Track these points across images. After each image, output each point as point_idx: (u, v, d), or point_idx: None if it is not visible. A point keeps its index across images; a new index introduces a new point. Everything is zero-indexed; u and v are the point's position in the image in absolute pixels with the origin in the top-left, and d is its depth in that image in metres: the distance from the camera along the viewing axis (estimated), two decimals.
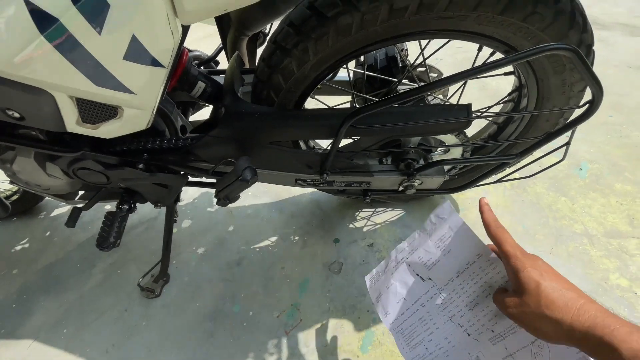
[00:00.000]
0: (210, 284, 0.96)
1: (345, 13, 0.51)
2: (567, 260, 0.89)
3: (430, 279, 0.49)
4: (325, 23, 0.53)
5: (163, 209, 1.16)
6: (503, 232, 0.42)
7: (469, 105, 0.58)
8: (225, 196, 0.59)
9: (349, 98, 0.86)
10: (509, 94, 0.77)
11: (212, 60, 0.85)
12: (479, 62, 0.54)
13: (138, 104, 0.51)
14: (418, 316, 0.51)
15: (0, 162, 0.70)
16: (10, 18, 0.39)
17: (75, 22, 0.38)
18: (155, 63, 0.44)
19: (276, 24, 0.64)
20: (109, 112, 0.53)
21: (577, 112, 0.56)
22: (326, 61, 0.58)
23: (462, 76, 0.48)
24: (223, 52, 0.85)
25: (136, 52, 0.42)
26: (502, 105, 0.82)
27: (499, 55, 0.62)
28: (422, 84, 0.70)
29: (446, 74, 0.83)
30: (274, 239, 1.06)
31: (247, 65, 0.84)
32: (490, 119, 0.86)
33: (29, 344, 0.89)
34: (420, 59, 0.69)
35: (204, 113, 0.90)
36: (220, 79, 0.74)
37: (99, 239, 0.72)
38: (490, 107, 0.77)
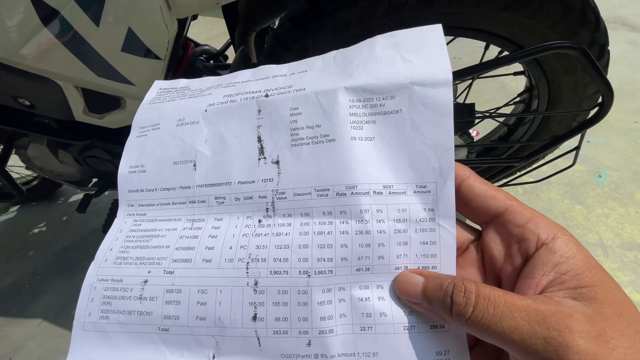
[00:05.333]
0: None
1: (344, 8, 0.51)
2: None
3: (277, 162, 0.24)
4: (324, 18, 0.53)
5: None
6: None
7: (472, 105, 0.56)
8: None
9: None
10: (520, 95, 0.74)
11: (221, 54, 0.86)
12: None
13: (140, 95, 0.52)
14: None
15: (16, 147, 0.74)
16: (15, 10, 0.41)
17: (74, 14, 0.40)
18: (152, 55, 0.45)
19: None
20: (113, 102, 0.55)
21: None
22: None
23: (467, 73, 0.47)
24: (232, 47, 0.86)
25: (133, 44, 0.43)
26: (513, 106, 0.79)
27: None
28: None
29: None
30: None
31: (253, 60, 0.84)
32: (501, 120, 0.83)
33: (38, 322, 0.94)
34: None
35: None
36: (227, 73, 0.75)
37: (105, 226, 0.75)
38: (499, 108, 0.74)
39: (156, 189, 0.26)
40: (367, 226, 0.22)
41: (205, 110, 0.27)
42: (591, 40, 0.52)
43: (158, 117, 0.28)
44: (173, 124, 0.27)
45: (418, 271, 0.21)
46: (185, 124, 0.27)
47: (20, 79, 0.50)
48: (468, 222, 0.24)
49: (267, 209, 0.24)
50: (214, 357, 0.22)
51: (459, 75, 0.48)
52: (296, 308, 0.22)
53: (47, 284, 1.02)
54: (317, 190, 0.23)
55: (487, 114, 0.64)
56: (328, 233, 0.22)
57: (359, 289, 0.22)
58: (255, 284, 0.22)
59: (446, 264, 0.21)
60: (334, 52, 0.27)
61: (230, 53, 0.90)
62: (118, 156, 0.70)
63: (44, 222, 1.21)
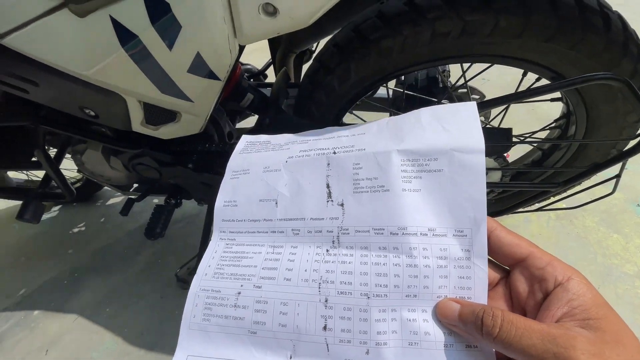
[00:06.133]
0: None
1: (388, 37, 0.54)
2: (615, 302, 0.82)
3: (342, 205, 0.31)
4: (368, 45, 0.56)
5: (203, 208, 1.25)
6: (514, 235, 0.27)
7: (509, 130, 0.57)
8: None
9: (387, 115, 0.88)
10: (556, 120, 0.74)
11: (261, 73, 0.91)
12: (525, 86, 0.54)
13: (195, 110, 0.57)
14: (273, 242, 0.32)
15: (73, 152, 0.80)
16: (97, 32, 0.47)
17: (151, 39, 0.44)
18: (213, 76, 0.49)
19: (322, 42, 0.68)
20: (169, 116, 0.60)
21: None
22: (366, 80, 0.61)
23: (503, 101, 0.49)
24: (271, 66, 0.92)
25: (198, 67, 0.47)
26: (548, 131, 0.79)
27: (545, 81, 0.61)
28: None
29: (490, 96, 0.82)
30: None
31: (292, 80, 0.89)
32: (535, 144, 0.83)
33: (74, 318, 0.99)
34: (462, 81, 0.69)
35: (250, 121, 0.96)
36: (267, 91, 0.80)
37: (147, 229, 0.79)
38: (534, 133, 0.74)
39: (244, 220, 0.33)
40: (415, 261, 0.27)
41: (286, 161, 0.35)
42: (633, 71, 0.52)
43: (247, 164, 0.36)
44: (260, 171, 0.35)
45: (456, 300, 0.26)
46: (269, 171, 0.35)
47: (90, 92, 0.55)
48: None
49: (333, 241, 0.30)
50: (291, 357, 0.27)
51: (498, 102, 0.50)
52: (358, 322, 0.27)
53: (84, 281, 1.07)
54: (374, 229, 0.29)
55: (524, 139, 0.65)
56: (383, 264, 0.28)
57: (407, 311, 0.27)
58: (326, 300, 0.28)
59: (479, 296, 0.26)
60: (386, 119, 0.35)
61: (269, 71, 0.96)
62: (164, 164, 0.75)
63: (83, 223, 1.28)
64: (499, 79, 1.74)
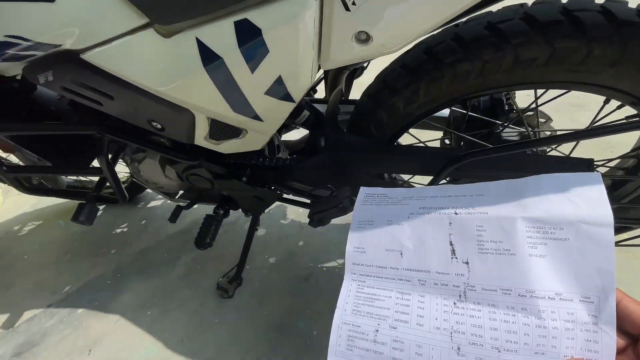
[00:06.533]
0: (278, 294, 1.00)
1: (465, 60, 0.52)
2: None
3: (467, 263, 0.34)
4: (442, 68, 0.54)
5: (239, 216, 1.26)
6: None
7: (590, 160, 0.54)
8: (320, 218, 0.63)
9: (441, 133, 0.86)
10: (634, 150, 0.70)
11: (312, 89, 0.91)
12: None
13: (262, 129, 0.57)
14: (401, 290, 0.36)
15: (130, 160, 0.83)
16: (180, 52, 0.47)
17: (235, 61, 0.45)
18: (289, 99, 0.49)
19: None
20: (234, 132, 0.60)
21: None
22: (434, 103, 0.59)
23: (592, 134, 0.46)
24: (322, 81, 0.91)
25: (276, 89, 0.47)
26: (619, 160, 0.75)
27: (629, 109, 0.57)
28: (531, 129, 0.67)
29: (551, 114, 0.78)
30: (341, 261, 1.07)
31: (345, 96, 0.88)
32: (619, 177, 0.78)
33: (116, 319, 1.01)
34: (533, 105, 0.66)
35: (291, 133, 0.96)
36: (318, 107, 0.79)
37: (198, 239, 0.80)
38: (609, 161, 0.70)
39: (372, 265, 0.38)
40: (544, 322, 0.29)
41: (408, 217, 0.38)
42: None
43: (371, 216, 0.41)
44: (384, 223, 0.39)
45: None
46: (392, 224, 0.39)
47: (161, 107, 0.56)
48: None
49: (459, 295, 0.33)
50: None
51: (584, 135, 0.47)
52: None
53: (127, 282, 1.10)
54: (502, 289, 0.32)
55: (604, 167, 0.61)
56: (513, 322, 0.30)
57: None
58: (458, 348, 0.31)
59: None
60: (504, 182, 0.36)
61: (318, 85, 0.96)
62: (218, 176, 0.75)
63: (126, 224, 1.32)
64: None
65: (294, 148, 0.89)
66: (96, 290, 1.10)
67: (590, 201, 0.31)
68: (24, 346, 0.98)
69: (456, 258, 0.34)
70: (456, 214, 0.36)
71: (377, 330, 0.34)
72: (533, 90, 0.61)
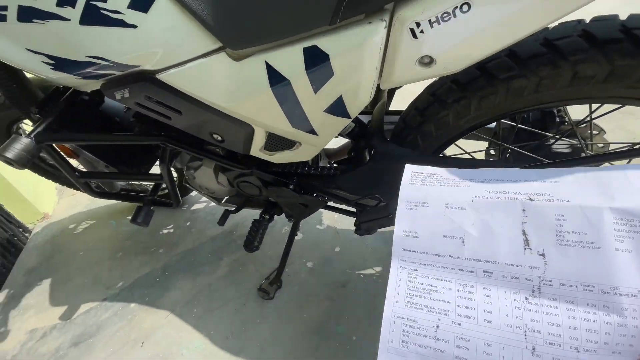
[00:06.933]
0: (316, 298, 1.03)
1: (521, 77, 0.53)
2: None
3: (543, 255, 0.31)
4: (495, 84, 0.55)
5: (279, 220, 1.30)
6: None
7: None
8: (368, 228, 0.65)
9: (486, 144, 0.86)
10: None
11: None
12: None
13: (316, 142, 0.60)
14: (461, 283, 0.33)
15: (187, 167, 0.89)
16: (249, 74, 0.51)
17: (300, 83, 0.48)
18: (345, 115, 0.52)
19: None
20: (288, 144, 0.64)
21: None
22: (485, 116, 0.60)
23: None
24: None
25: (336, 107, 0.50)
26: None
27: None
28: (584, 142, 0.66)
29: (600, 124, 0.76)
30: (378, 269, 1.09)
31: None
32: None
33: (166, 314, 1.08)
34: (587, 119, 0.65)
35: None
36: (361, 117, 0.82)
37: (247, 242, 0.85)
38: None
39: (427, 253, 0.34)
40: (626, 321, 0.28)
41: (472, 201, 0.34)
42: None
43: (424, 196, 0.36)
44: (442, 205, 0.35)
45: None
46: (453, 208, 0.34)
47: (224, 122, 0.61)
48: None
49: (533, 290, 0.30)
50: None
51: None
52: None
53: (174, 281, 1.17)
54: (584, 285, 0.29)
55: None
56: (594, 321, 0.28)
57: None
58: (533, 348, 0.29)
59: None
60: (583, 170, 0.34)
61: None
62: (268, 184, 0.80)
63: (172, 225, 1.40)
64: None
65: (333, 157, 0.92)
66: (146, 286, 1.18)
67: None
68: (81, 337, 1.07)
69: (530, 249, 0.31)
70: (531, 200, 0.32)
71: (437, 326, 0.31)
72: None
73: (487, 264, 0.32)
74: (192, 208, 1.46)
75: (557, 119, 0.70)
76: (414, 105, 0.68)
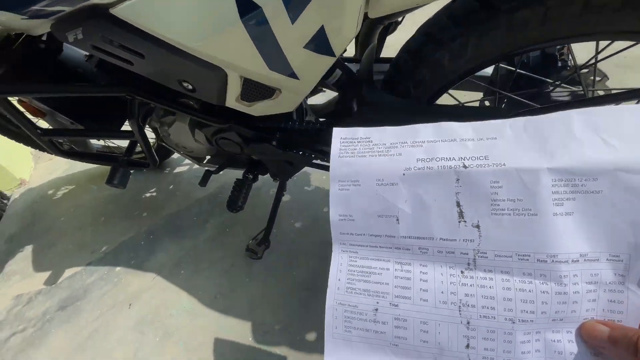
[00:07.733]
0: (305, 257, 1.02)
1: (525, 7, 0.47)
2: None
3: (477, 227, 0.29)
4: (497, 16, 0.49)
5: (266, 181, 1.26)
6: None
7: (638, 90, 0.49)
8: None
9: (481, 94, 0.80)
10: None
11: None
12: None
13: (297, 89, 0.54)
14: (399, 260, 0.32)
15: (160, 123, 0.82)
16: (215, 3, 0.44)
17: (274, 11, 0.41)
18: (329, 52, 0.46)
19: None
20: (267, 93, 0.58)
21: None
22: (483, 57, 0.55)
23: None
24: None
25: (317, 42, 0.44)
26: None
27: None
28: (588, 88, 0.61)
29: (606, 71, 0.72)
30: None
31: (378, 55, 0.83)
32: None
33: (152, 277, 1.07)
34: (591, 61, 0.60)
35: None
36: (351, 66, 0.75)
37: (229, 202, 0.81)
38: None
39: (364, 234, 0.33)
40: (565, 289, 0.27)
41: (403, 174, 0.32)
42: None
43: (355, 173, 0.33)
44: (373, 183, 0.32)
45: (603, 322, 0.27)
46: (385, 185, 0.32)
47: (193, 66, 0.54)
48: None
49: (468, 263, 0.29)
50: None
51: None
52: (502, 343, 0.27)
53: (160, 244, 1.15)
54: (519, 255, 0.28)
55: None
56: (529, 291, 0.27)
57: (552, 333, 0.27)
58: (468, 323, 0.28)
59: (631, 321, 0.26)
60: (522, 120, 0.30)
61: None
62: (248, 140, 0.74)
63: (154, 188, 1.35)
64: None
65: (321, 112, 0.86)
66: (132, 250, 1.16)
67: (629, 142, 0.26)
68: (68, 300, 1.06)
69: (464, 222, 0.29)
70: (465, 167, 0.29)
71: (376, 310, 0.30)
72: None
73: (422, 241, 0.31)
74: (175, 171, 1.40)
75: (559, 63, 0.65)
76: (406, 48, 0.62)
